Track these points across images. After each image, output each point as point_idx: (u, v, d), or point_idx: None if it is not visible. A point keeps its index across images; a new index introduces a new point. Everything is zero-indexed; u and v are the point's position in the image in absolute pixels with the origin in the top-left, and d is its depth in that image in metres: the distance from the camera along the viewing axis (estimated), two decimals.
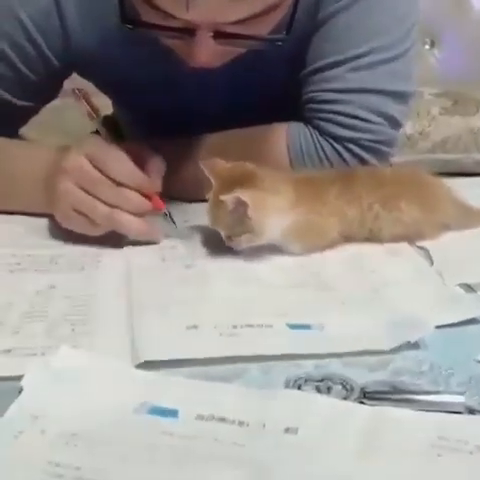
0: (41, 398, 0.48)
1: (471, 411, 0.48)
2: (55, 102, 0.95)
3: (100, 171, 0.70)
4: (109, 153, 0.71)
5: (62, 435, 0.45)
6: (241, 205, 0.67)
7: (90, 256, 0.71)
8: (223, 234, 0.70)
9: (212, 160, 0.72)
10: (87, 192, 0.70)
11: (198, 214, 0.77)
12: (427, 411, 0.47)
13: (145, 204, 0.72)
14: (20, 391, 0.48)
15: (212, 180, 0.70)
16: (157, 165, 0.74)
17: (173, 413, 0.47)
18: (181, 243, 0.74)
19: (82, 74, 0.93)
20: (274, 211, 0.69)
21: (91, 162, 0.70)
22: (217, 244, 0.72)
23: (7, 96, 0.86)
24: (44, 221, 0.78)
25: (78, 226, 0.73)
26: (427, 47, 1.97)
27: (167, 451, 0.44)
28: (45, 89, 0.89)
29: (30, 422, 0.46)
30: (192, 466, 0.43)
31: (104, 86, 0.97)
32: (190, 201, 0.84)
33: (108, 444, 0.44)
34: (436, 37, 1.98)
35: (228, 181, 0.69)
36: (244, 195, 0.66)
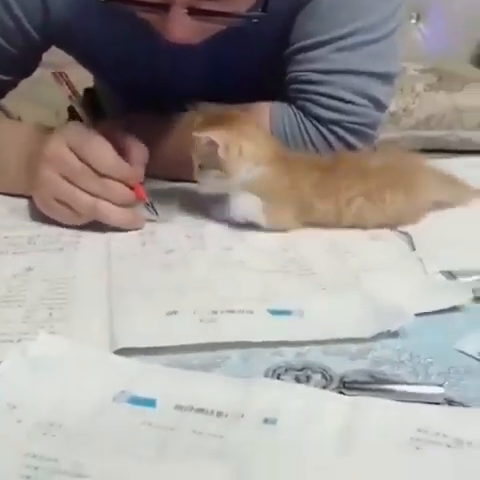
0: (18, 387, 0.48)
1: (450, 402, 0.48)
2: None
3: (82, 160, 0.69)
4: (92, 142, 0.70)
5: (39, 425, 0.44)
6: (212, 145, 0.68)
7: (69, 236, 0.71)
8: (195, 164, 0.72)
9: (207, 105, 0.74)
10: (69, 182, 0.70)
11: (180, 196, 0.77)
12: (406, 402, 0.47)
13: (128, 194, 0.71)
14: None
15: (199, 117, 0.72)
16: (140, 154, 0.73)
17: (151, 402, 0.47)
18: (161, 227, 0.74)
19: (61, 47, 0.91)
20: (247, 155, 0.70)
21: (73, 151, 0.70)
22: (198, 229, 0.72)
23: None
24: (25, 201, 0.78)
25: (60, 215, 0.72)
26: (413, 21, 1.96)
27: (146, 443, 0.43)
28: (24, 62, 0.88)
29: (7, 412, 0.45)
30: (170, 458, 0.42)
31: (83, 60, 0.95)
32: (170, 180, 0.83)
33: (86, 435, 0.44)
34: (422, 11, 1.97)
35: (212, 119, 0.71)
36: (215, 135, 0.68)
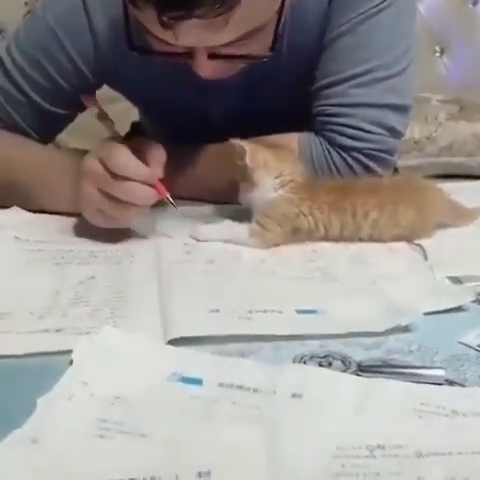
0: (88, 368, 0.57)
1: (450, 383, 0.56)
2: None
3: (107, 169, 0.77)
4: (113, 151, 0.78)
5: (107, 398, 0.54)
6: (242, 152, 0.79)
7: (123, 252, 0.80)
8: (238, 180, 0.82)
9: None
10: (101, 191, 0.78)
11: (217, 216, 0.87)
12: (413, 382, 0.56)
13: (149, 192, 0.78)
14: (71, 363, 0.57)
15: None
16: (156, 154, 0.79)
17: (198, 381, 0.56)
18: (202, 242, 0.83)
19: (110, 85, 1.02)
20: (271, 168, 0.80)
21: (100, 162, 0.77)
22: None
23: (43, 104, 0.96)
24: (79, 220, 0.86)
25: (103, 223, 0.81)
26: (437, 55, 2.05)
27: (194, 411, 0.53)
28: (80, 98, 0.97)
29: (80, 387, 0.55)
30: (214, 423, 0.51)
31: (128, 96, 1.07)
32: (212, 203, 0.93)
33: (145, 405, 0.53)
34: (445, 45, 2.06)
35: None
36: (245, 144, 0.79)
